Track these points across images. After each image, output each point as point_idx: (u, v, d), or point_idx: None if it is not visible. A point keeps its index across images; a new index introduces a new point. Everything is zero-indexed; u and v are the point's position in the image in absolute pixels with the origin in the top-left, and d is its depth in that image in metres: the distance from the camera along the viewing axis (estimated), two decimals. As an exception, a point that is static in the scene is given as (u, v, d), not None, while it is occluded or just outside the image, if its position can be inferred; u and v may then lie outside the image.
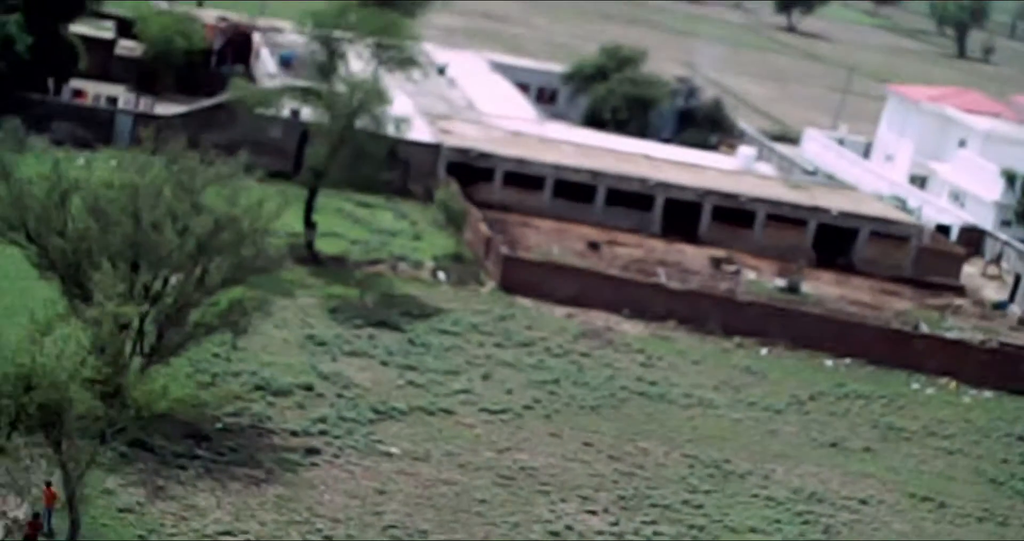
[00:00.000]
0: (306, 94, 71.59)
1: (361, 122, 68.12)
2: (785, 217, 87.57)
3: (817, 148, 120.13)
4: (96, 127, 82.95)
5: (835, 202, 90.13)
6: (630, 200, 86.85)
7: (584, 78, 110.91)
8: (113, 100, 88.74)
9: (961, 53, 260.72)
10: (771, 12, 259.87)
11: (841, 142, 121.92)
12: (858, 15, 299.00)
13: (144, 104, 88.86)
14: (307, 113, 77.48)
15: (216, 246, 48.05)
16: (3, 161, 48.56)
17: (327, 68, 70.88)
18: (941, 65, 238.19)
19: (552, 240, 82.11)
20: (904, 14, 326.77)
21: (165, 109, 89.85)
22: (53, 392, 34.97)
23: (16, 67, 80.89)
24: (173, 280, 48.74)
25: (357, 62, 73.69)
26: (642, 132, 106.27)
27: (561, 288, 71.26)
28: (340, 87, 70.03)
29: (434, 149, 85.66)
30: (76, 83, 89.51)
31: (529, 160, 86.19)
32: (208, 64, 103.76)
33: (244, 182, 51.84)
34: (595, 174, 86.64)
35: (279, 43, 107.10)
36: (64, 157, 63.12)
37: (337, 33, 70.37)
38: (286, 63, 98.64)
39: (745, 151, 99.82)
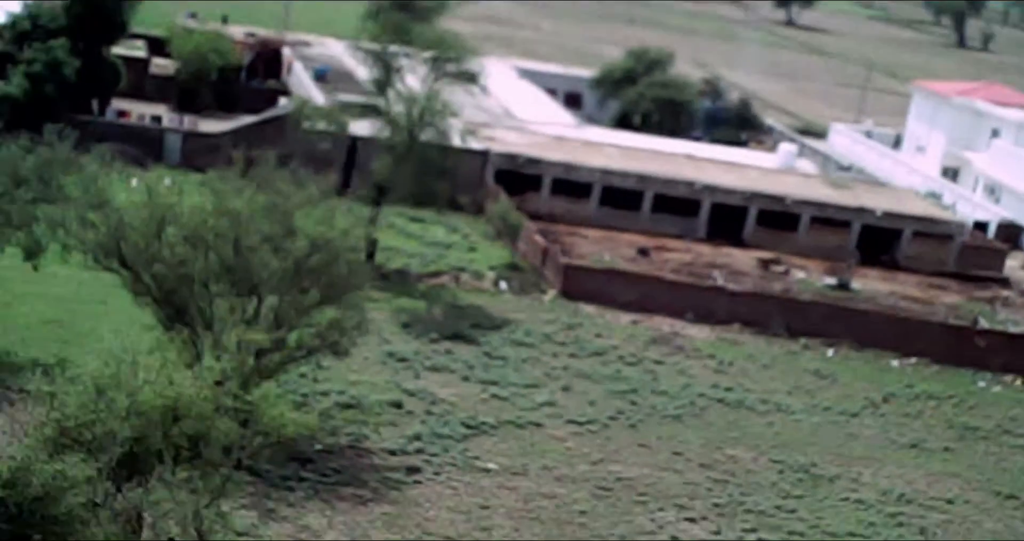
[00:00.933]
0: (365, 110, 71.64)
1: (425, 135, 68.14)
2: (829, 219, 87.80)
3: (845, 142, 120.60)
4: (146, 146, 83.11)
5: (877, 201, 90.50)
6: (676, 206, 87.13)
7: (613, 82, 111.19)
8: (157, 119, 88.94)
9: (961, 42, 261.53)
10: (770, 8, 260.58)
11: (868, 135, 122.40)
12: (853, 7, 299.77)
13: (188, 122, 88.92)
14: (358, 127, 77.64)
15: (311, 267, 48.22)
16: (99, 188, 48.65)
17: (383, 83, 70.92)
18: (943, 55, 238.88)
19: (601, 248, 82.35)
20: (898, 4, 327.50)
21: (207, 126, 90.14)
22: (199, 423, 35.09)
23: (64, 90, 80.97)
24: (268, 302, 48.93)
25: (409, 76, 73.73)
26: (674, 134, 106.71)
27: (623, 294, 71.56)
28: (397, 101, 70.10)
29: (481, 157, 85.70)
30: (117, 103, 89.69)
31: (577, 165, 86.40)
32: (239, 80, 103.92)
33: (333, 202, 51.94)
34: (642, 178, 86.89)
35: (310, 57, 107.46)
36: (121, 175, 62.84)
37: (392, 47, 70.28)
38: (321, 77, 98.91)
39: (786, 148, 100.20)
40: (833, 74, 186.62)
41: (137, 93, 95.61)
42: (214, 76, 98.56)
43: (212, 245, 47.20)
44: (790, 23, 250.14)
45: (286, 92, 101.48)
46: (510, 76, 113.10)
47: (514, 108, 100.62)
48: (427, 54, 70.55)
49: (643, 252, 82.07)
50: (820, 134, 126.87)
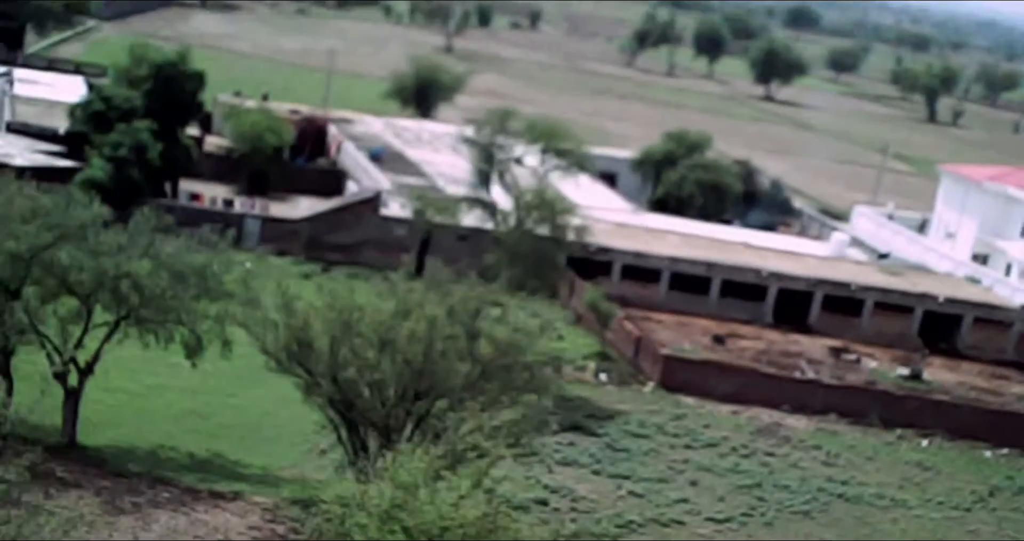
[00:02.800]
0: (477, 203, 72.36)
1: (537, 227, 68.96)
2: (892, 305, 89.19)
3: (869, 225, 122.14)
4: (225, 230, 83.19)
5: (935, 287, 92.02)
6: (743, 291, 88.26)
7: (653, 163, 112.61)
8: (229, 202, 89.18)
9: (931, 117, 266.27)
10: (748, 84, 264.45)
11: (891, 218, 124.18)
12: (821, 82, 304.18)
13: (260, 205, 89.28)
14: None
15: (495, 371, 48.70)
16: (284, 291, 49.00)
17: (486, 173, 71.78)
18: (919, 131, 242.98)
19: (675, 334, 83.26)
20: (862, 80, 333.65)
21: (274, 209, 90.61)
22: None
23: (149, 173, 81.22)
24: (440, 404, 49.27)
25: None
26: (707, 217, 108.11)
27: (720, 386, 72.42)
28: (502, 193, 70.97)
29: (554, 244, 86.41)
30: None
31: (646, 253, 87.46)
32: (287, 158, 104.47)
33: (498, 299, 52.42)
34: (710, 266, 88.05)
35: (357, 135, 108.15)
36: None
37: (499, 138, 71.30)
38: (376, 158, 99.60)
39: (838, 237, 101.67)
40: (829, 151, 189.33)
41: (191, 172, 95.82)
42: (269, 155, 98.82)
43: (401, 350, 47.51)
44: (769, 98, 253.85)
45: (336, 172, 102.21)
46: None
47: (566, 192, 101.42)
48: (536, 145, 71.24)
49: (719, 340, 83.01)
50: (838, 216, 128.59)
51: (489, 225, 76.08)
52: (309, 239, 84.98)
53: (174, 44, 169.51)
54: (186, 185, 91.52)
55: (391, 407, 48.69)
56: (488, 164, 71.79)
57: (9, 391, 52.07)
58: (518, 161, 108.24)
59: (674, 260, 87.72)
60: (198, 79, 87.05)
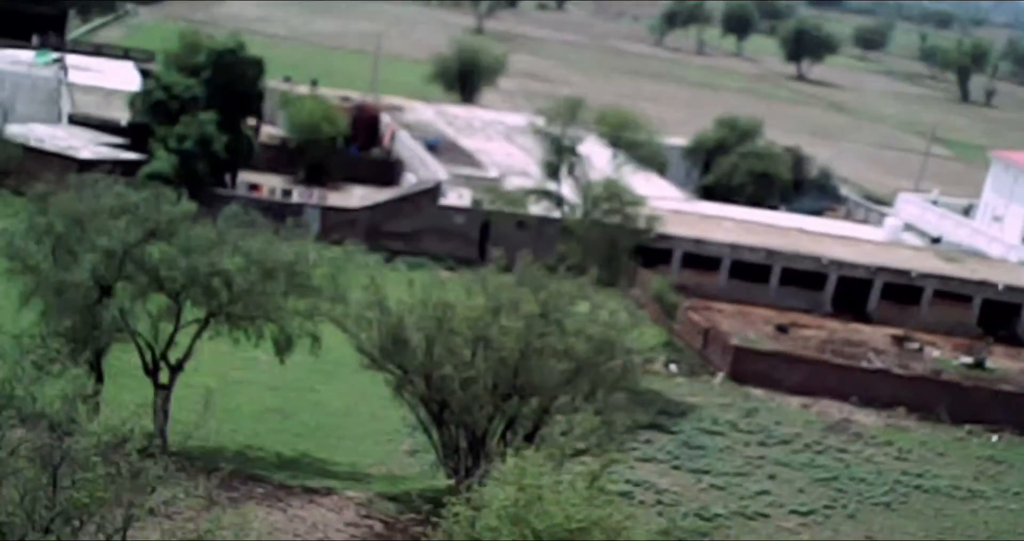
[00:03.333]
0: (545, 194, 72.31)
1: (607, 218, 68.90)
2: (951, 293, 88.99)
3: (915, 211, 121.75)
4: (283, 220, 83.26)
5: (992, 274, 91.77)
6: (803, 279, 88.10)
7: (705, 151, 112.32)
8: (287, 192, 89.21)
9: (964, 97, 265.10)
10: (778, 61, 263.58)
11: (935, 204, 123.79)
12: (850, 61, 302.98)
13: (317, 195, 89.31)
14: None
15: (588, 368, 48.68)
16: (377, 287, 49.02)
17: (556, 166, 71.70)
18: (953, 111, 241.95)
19: (736, 323, 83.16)
20: (891, 58, 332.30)
21: (332, 199, 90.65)
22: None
23: (214, 165, 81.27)
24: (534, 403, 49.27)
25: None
26: (758, 204, 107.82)
27: (789, 377, 72.39)
28: (573, 185, 70.91)
29: (625, 234, 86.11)
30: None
31: (706, 240, 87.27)
32: (341, 148, 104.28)
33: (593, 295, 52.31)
34: (770, 253, 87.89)
35: (409, 124, 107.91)
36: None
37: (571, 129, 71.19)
38: (432, 148, 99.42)
39: (892, 222, 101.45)
40: (867, 135, 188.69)
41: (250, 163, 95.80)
42: (326, 145, 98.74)
43: (497, 347, 47.52)
44: (801, 78, 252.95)
45: (391, 161, 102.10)
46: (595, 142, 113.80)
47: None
48: (606, 136, 71.17)
49: (781, 329, 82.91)
50: (882, 201, 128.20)
51: (555, 214, 76.00)
52: (368, 228, 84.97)
53: (215, 28, 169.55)
54: (243, 176, 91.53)
55: (484, 405, 48.74)
56: (557, 155, 71.59)
57: (99, 389, 52.33)
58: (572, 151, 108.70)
59: (734, 247, 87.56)
60: (257, 67, 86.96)
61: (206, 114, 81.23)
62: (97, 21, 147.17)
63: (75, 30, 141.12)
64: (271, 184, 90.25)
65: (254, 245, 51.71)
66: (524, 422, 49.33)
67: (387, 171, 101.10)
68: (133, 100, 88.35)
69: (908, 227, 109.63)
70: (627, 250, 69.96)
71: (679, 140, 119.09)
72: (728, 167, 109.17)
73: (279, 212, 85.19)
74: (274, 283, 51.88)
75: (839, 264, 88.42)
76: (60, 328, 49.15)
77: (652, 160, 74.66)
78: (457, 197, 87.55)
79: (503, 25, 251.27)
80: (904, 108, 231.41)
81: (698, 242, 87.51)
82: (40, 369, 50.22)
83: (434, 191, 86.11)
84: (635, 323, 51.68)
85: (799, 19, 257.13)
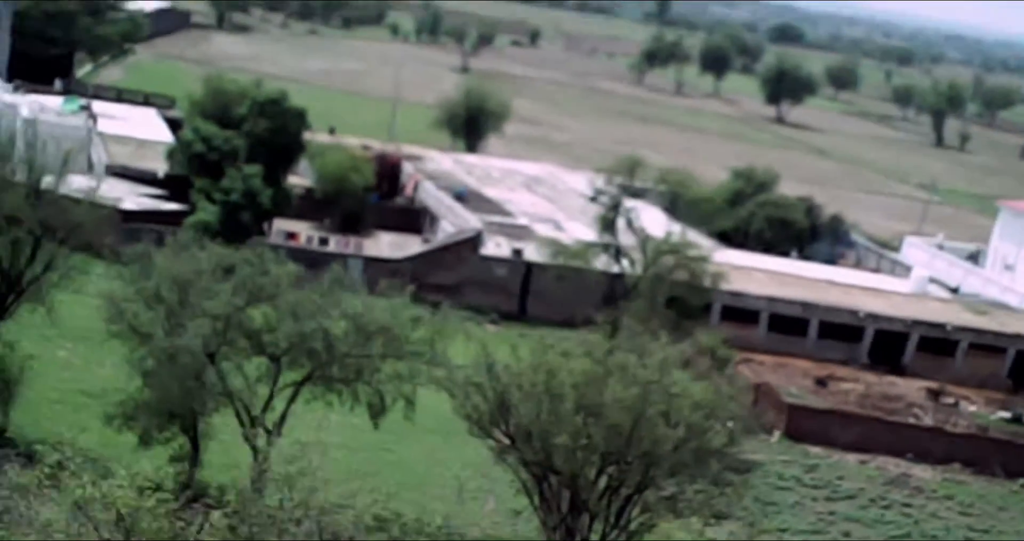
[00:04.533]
0: (608, 249, 72.59)
1: (676, 275, 69.25)
2: (985, 345, 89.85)
3: (921, 256, 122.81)
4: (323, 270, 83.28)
5: (1022, 326, 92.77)
6: (840, 332, 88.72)
7: (724, 201, 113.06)
8: (324, 240, 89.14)
9: (939, 141, 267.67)
10: (756, 101, 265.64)
11: (941, 249, 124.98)
12: (824, 101, 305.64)
13: (354, 245, 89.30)
14: (529, 253, 78.07)
15: (697, 434, 48.85)
16: (486, 354, 49.01)
17: (611, 220, 72.09)
18: (931, 156, 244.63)
19: (777, 377, 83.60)
20: (861, 98, 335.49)
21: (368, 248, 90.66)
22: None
23: (258, 217, 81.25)
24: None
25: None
26: (775, 250, 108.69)
27: (844, 435, 72.84)
28: (631, 239, 71.30)
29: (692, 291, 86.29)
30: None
31: (744, 293, 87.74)
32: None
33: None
34: (807, 306, 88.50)
35: (431, 173, 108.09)
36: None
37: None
38: (460, 198, 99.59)
39: (918, 274, 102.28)
40: (854, 180, 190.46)
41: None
42: (353, 195, 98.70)
43: (609, 415, 47.61)
44: (780, 120, 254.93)
45: (415, 210, 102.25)
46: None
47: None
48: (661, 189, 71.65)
49: (821, 383, 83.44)
50: (886, 246, 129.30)
51: (597, 267, 76.28)
52: (411, 279, 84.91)
53: (214, 68, 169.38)
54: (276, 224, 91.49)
55: (590, 470, 48.83)
56: (614, 211, 72.00)
57: (195, 456, 52.16)
58: (593, 199, 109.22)
59: (772, 300, 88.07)
60: (300, 118, 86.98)
61: (251, 168, 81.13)
62: (97, 62, 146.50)
63: (77, 71, 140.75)
64: (298, 231, 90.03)
65: (355, 307, 51.72)
66: (628, 485, 49.45)
67: (412, 219, 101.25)
68: (172, 152, 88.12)
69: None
70: (696, 307, 70.20)
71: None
72: (746, 214, 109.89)
73: (320, 261, 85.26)
74: (371, 345, 51.93)
75: (875, 318, 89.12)
76: (168, 394, 48.98)
77: (709, 218, 75.05)
78: (495, 247, 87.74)
79: (484, 63, 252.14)
80: (883, 153, 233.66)
81: (736, 295, 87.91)
82: (145, 439, 50.52)
83: (475, 240, 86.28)
84: (740, 390, 51.65)
85: (779, 58, 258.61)
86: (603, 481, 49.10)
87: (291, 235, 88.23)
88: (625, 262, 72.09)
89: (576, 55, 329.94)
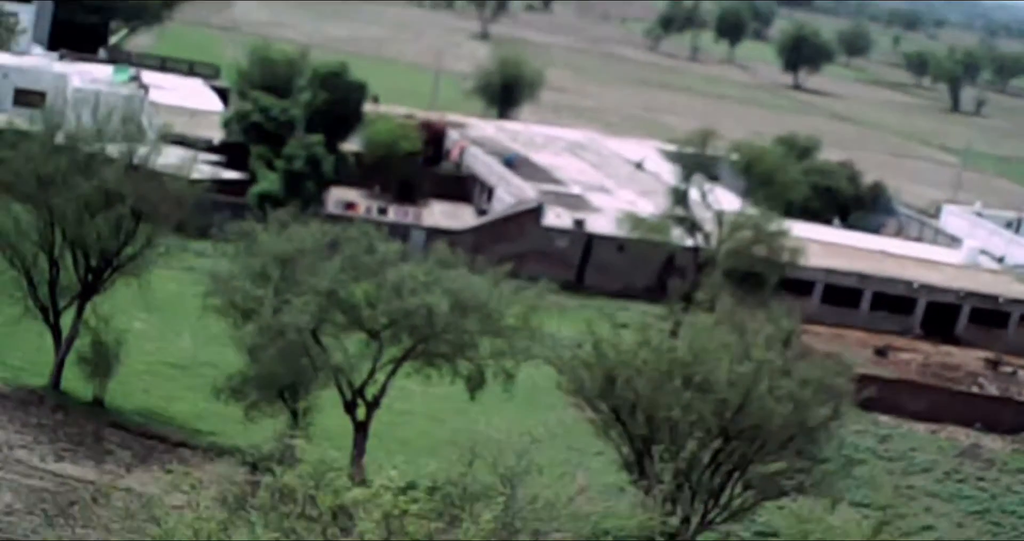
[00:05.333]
0: (683, 222, 72.60)
1: (753, 250, 69.32)
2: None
3: (961, 224, 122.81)
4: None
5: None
6: (893, 304, 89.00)
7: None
8: (383, 210, 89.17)
9: (955, 107, 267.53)
10: (773, 68, 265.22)
11: (980, 217, 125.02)
12: (836, 68, 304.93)
13: (413, 214, 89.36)
14: (593, 225, 77.81)
15: (805, 410, 49.11)
16: (597, 339, 49.18)
17: (684, 192, 72.15)
18: (948, 121, 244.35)
19: (834, 348, 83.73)
20: (873, 65, 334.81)
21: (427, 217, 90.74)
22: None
23: (321, 185, 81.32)
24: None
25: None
26: (818, 218, 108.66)
27: (912, 404, 73.12)
28: (705, 214, 71.37)
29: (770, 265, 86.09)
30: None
31: (800, 264, 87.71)
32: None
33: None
34: (862, 277, 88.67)
35: (478, 140, 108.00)
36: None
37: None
38: (509, 164, 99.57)
39: (970, 244, 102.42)
40: (879, 145, 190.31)
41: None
42: (401, 162, 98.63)
43: (719, 391, 47.88)
44: (797, 87, 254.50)
45: (462, 177, 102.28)
46: (657, 158, 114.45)
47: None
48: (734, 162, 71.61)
49: (881, 353, 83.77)
50: (924, 213, 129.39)
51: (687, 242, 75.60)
52: (473, 250, 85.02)
53: (240, 34, 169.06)
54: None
55: (694, 444, 49.12)
56: (687, 183, 72.07)
57: (294, 426, 52.44)
58: (639, 166, 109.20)
59: (828, 272, 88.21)
60: (360, 90, 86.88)
61: (314, 136, 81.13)
62: (132, 29, 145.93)
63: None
64: (355, 200, 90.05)
65: (456, 283, 51.96)
66: (731, 460, 49.80)
67: (459, 186, 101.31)
68: (228, 121, 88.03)
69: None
70: (774, 283, 70.39)
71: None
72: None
73: (389, 233, 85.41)
74: (470, 320, 52.19)
75: (929, 289, 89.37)
76: (275, 369, 49.24)
77: (781, 195, 75.03)
78: (555, 217, 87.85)
79: (503, 29, 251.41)
80: (902, 118, 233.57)
81: (792, 266, 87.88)
82: (251, 411, 50.79)
83: (537, 212, 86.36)
84: (850, 366, 51.93)
85: (796, 25, 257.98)
86: (706, 456, 49.53)
87: (350, 205, 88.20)
88: (699, 236, 72.06)
89: (589, 20, 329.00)
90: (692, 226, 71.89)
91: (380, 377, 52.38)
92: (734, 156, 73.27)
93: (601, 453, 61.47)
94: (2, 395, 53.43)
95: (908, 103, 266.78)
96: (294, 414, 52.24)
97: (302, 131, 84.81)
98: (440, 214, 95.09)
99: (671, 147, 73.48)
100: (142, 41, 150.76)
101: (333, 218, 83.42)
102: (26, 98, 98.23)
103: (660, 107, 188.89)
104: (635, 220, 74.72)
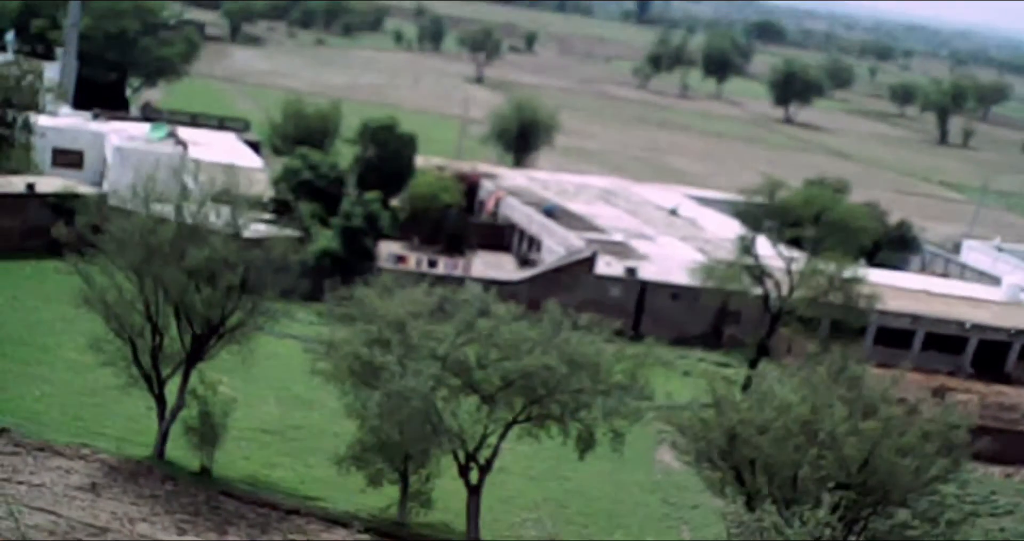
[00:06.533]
0: (751, 270, 72.72)
1: (831, 297, 69.51)
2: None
3: (983, 259, 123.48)
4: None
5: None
6: (944, 343, 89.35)
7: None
8: (432, 263, 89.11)
9: (943, 139, 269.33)
10: (760, 103, 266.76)
11: (1000, 251, 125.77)
12: (822, 100, 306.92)
13: (462, 266, 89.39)
14: (645, 272, 77.99)
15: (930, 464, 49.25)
16: (719, 398, 49.23)
17: (750, 242, 72.39)
18: (939, 154, 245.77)
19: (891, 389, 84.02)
20: (855, 96, 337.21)
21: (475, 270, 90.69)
22: None
23: (376, 240, 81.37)
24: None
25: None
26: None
27: (989, 447, 72.95)
28: (773, 262, 71.61)
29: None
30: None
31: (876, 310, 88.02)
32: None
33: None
34: (915, 318, 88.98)
35: (512, 190, 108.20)
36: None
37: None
38: (550, 214, 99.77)
39: (1010, 281, 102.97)
40: (880, 181, 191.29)
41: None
42: (439, 214, 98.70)
43: (842, 446, 47.97)
44: (788, 121, 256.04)
45: (500, 227, 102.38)
46: (690, 204, 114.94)
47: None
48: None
49: (938, 394, 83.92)
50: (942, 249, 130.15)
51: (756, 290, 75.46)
52: (528, 302, 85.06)
53: (243, 85, 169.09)
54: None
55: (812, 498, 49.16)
56: (756, 231, 72.34)
57: (404, 493, 52.36)
58: (673, 212, 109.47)
59: (882, 313, 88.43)
60: (411, 144, 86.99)
61: (372, 193, 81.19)
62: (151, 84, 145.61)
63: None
64: (397, 252, 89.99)
65: (569, 343, 51.98)
66: (852, 514, 49.85)
67: (495, 236, 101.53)
68: (278, 179, 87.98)
69: (982, 276, 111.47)
70: (853, 329, 70.65)
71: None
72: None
73: (436, 285, 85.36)
74: (581, 379, 52.20)
75: (980, 328, 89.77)
76: (399, 436, 49.09)
77: (852, 242, 75.47)
78: (605, 265, 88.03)
79: (495, 72, 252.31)
80: (895, 152, 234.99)
81: (847, 308, 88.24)
82: (375, 480, 50.61)
83: (591, 261, 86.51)
84: (962, 418, 52.04)
85: (786, 61, 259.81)
86: (828, 510, 49.55)
87: (400, 258, 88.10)
88: (769, 283, 72.25)
89: (572, 59, 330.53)
90: (761, 274, 72.04)
91: (492, 440, 52.33)
92: (803, 206, 73.51)
93: (697, 507, 61.80)
94: (111, 466, 53.17)
95: (896, 136, 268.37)
96: (404, 477, 52.12)
97: (352, 186, 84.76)
98: (483, 265, 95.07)
99: (730, 196, 73.66)
100: (152, 95, 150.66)
101: (388, 273, 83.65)
102: (64, 158, 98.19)
103: (663, 147, 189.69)
104: (708, 269, 74.82)
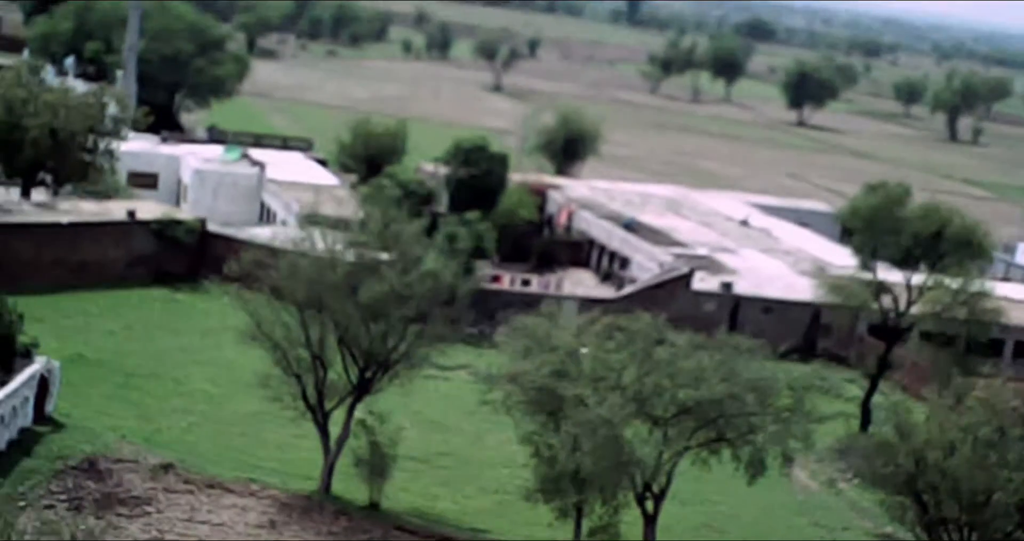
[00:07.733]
0: (871, 285, 72.57)
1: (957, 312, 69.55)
2: None
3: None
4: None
5: None
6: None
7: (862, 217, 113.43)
8: (526, 282, 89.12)
9: (953, 137, 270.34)
10: (773, 105, 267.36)
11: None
12: (831, 102, 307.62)
13: (555, 284, 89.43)
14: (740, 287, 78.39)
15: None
16: (901, 421, 49.23)
17: (871, 256, 72.37)
18: (954, 152, 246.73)
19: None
20: (859, 96, 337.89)
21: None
22: None
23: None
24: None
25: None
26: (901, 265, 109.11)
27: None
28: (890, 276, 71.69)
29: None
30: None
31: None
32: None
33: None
34: (1004, 327, 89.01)
35: (580, 202, 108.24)
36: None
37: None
38: (629, 228, 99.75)
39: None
40: (909, 182, 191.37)
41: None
42: (521, 230, 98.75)
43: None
44: (802, 123, 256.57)
45: (578, 242, 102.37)
46: (756, 213, 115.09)
47: (812, 252, 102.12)
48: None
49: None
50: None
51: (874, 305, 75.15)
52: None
53: (273, 100, 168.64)
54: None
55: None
56: (873, 246, 72.45)
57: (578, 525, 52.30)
58: (744, 223, 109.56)
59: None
60: (503, 163, 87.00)
61: (471, 213, 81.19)
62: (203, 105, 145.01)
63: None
64: (512, 275, 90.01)
65: (749, 369, 52.01)
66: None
67: (573, 252, 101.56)
68: (366, 198, 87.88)
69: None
70: (984, 345, 70.85)
71: (820, 206, 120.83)
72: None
73: (533, 304, 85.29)
74: (752, 404, 52.26)
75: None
76: (589, 467, 49.01)
77: (975, 254, 75.60)
78: (699, 281, 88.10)
79: (510, 79, 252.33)
80: (913, 151, 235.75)
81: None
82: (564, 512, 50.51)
83: (688, 277, 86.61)
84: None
85: (800, 63, 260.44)
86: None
87: (495, 277, 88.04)
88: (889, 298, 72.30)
89: (576, 64, 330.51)
90: (879, 289, 72.09)
91: (667, 467, 52.30)
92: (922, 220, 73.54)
93: (848, 528, 61.89)
94: (282, 503, 53.03)
95: (907, 135, 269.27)
96: (579, 509, 52.04)
97: (445, 206, 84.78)
98: (570, 282, 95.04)
99: (788, 202, 74.05)
100: (190, 116, 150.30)
101: (486, 292, 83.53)
102: (139, 180, 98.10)
103: (690, 151, 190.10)
104: (833, 285, 74.78)
